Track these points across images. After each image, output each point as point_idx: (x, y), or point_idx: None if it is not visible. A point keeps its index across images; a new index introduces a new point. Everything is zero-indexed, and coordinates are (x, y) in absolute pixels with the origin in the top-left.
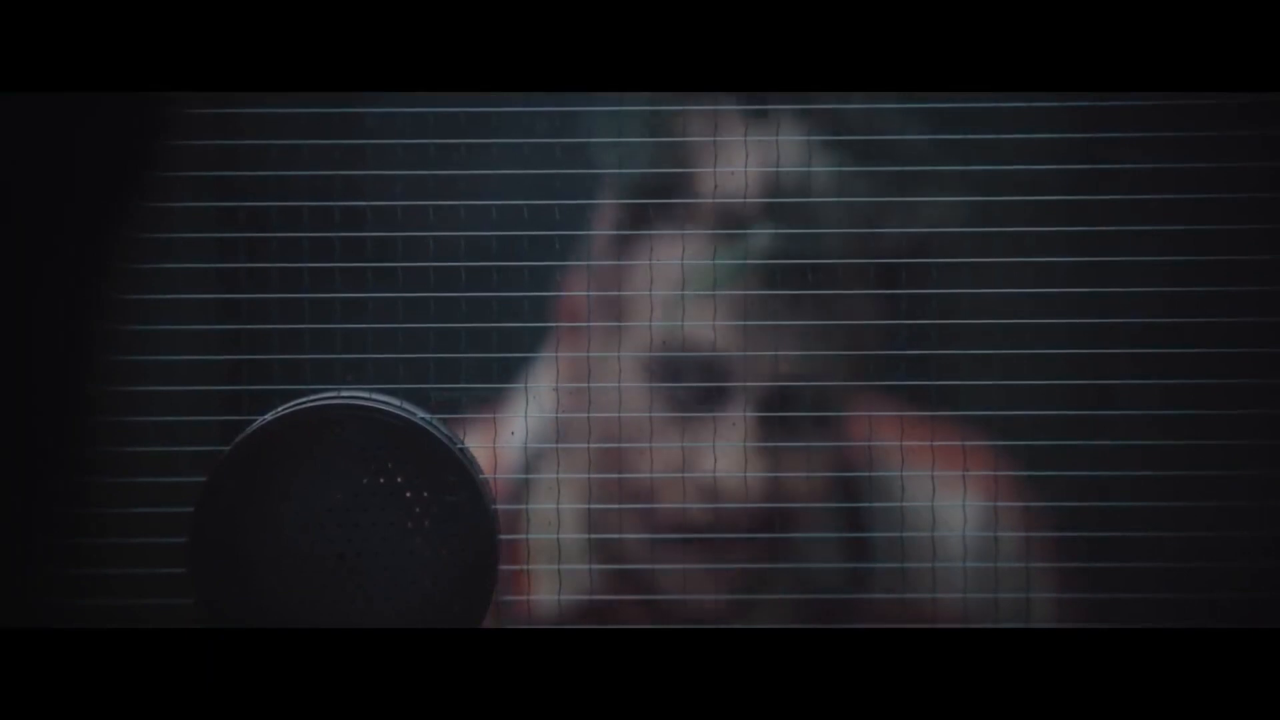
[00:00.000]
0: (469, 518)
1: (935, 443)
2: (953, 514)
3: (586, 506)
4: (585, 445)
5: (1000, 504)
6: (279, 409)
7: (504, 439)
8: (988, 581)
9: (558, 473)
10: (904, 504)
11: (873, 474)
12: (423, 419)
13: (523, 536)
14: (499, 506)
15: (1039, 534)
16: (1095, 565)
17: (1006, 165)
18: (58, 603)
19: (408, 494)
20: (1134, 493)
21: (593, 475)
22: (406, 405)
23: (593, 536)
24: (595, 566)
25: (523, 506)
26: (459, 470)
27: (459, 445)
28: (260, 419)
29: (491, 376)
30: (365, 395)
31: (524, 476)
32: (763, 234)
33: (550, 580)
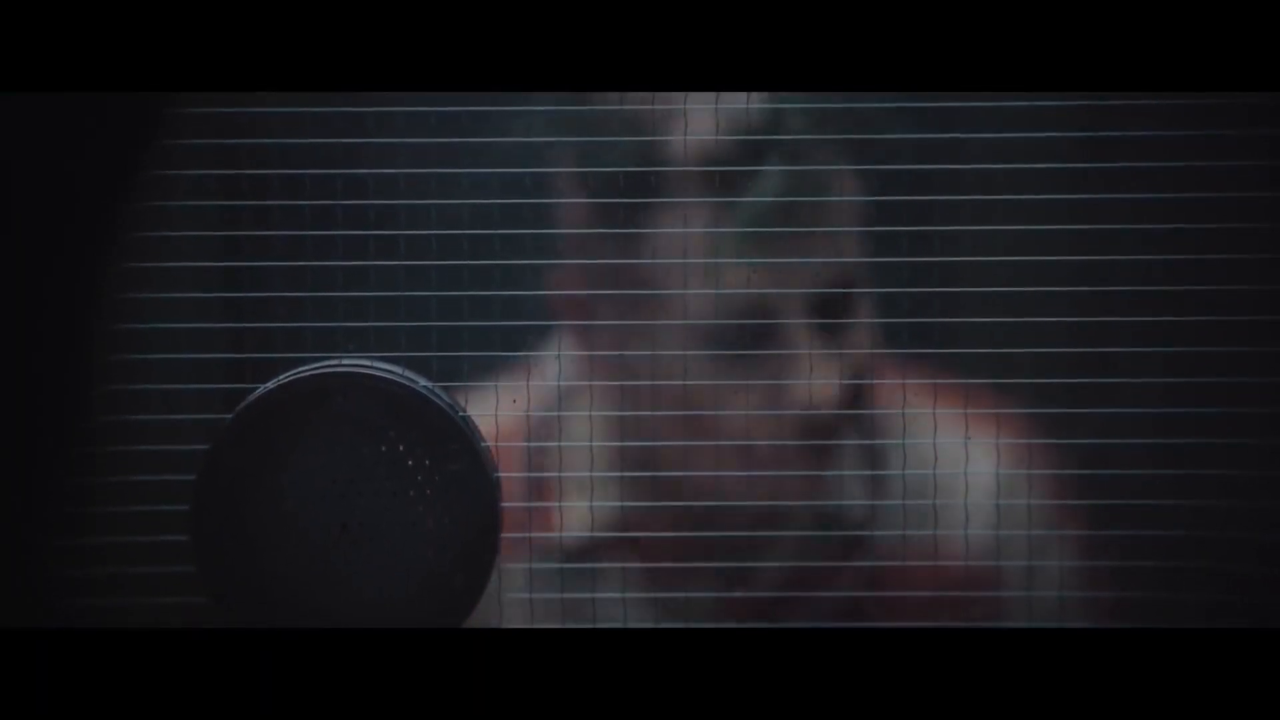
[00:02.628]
0: (471, 486)
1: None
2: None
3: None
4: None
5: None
6: (281, 377)
7: (506, 407)
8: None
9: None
10: (906, 440)
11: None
12: (424, 387)
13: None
14: (501, 475)
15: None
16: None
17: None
18: (58, 574)
19: (410, 462)
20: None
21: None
22: (408, 373)
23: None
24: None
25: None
26: (461, 438)
27: (461, 413)
28: (262, 387)
29: (494, 345)
30: (367, 363)
31: (529, 444)
32: (763, 177)
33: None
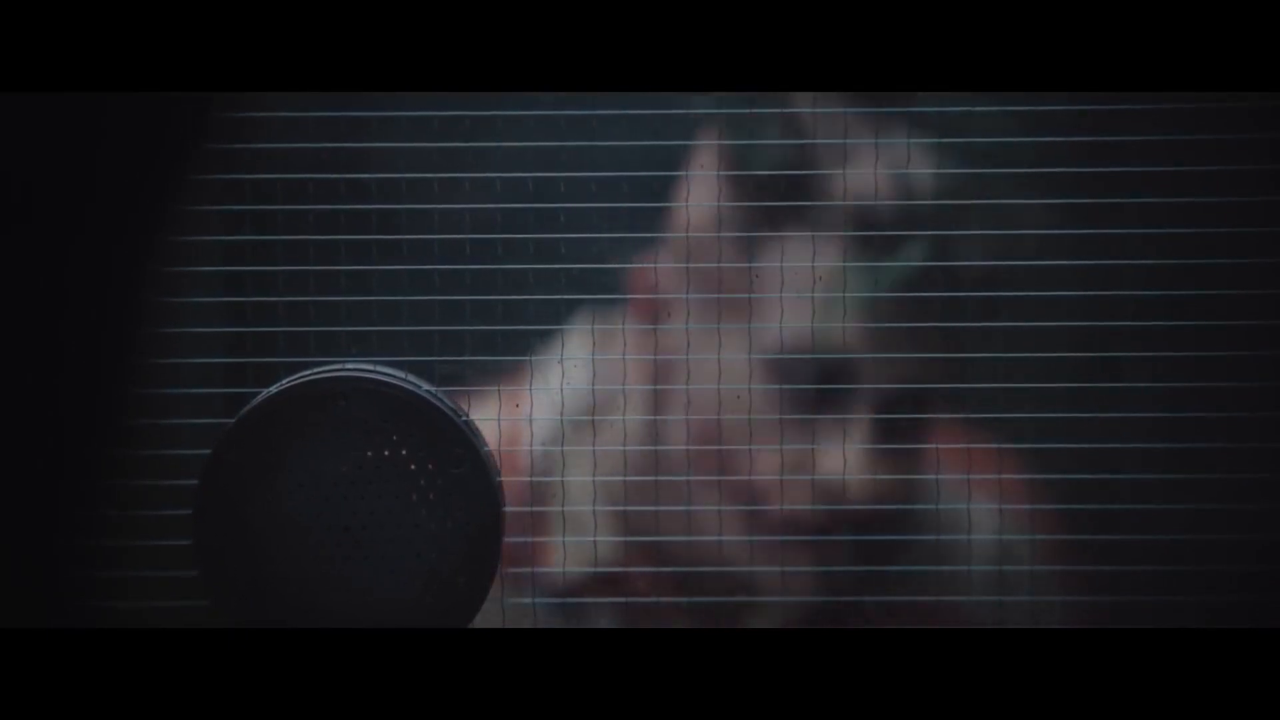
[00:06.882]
0: (474, 489)
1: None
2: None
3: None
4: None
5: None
6: (283, 381)
7: (509, 412)
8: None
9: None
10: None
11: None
12: (427, 391)
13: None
14: (503, 479)
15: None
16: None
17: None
18: (60, 576)
19: (412, 466)
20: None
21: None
22: (411, 378)
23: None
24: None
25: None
26: (464, 443)
27: (463, 418)
28: (265, 392)
29: (496, 349)
30: (370, 368)
31: (541, 448)
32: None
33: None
